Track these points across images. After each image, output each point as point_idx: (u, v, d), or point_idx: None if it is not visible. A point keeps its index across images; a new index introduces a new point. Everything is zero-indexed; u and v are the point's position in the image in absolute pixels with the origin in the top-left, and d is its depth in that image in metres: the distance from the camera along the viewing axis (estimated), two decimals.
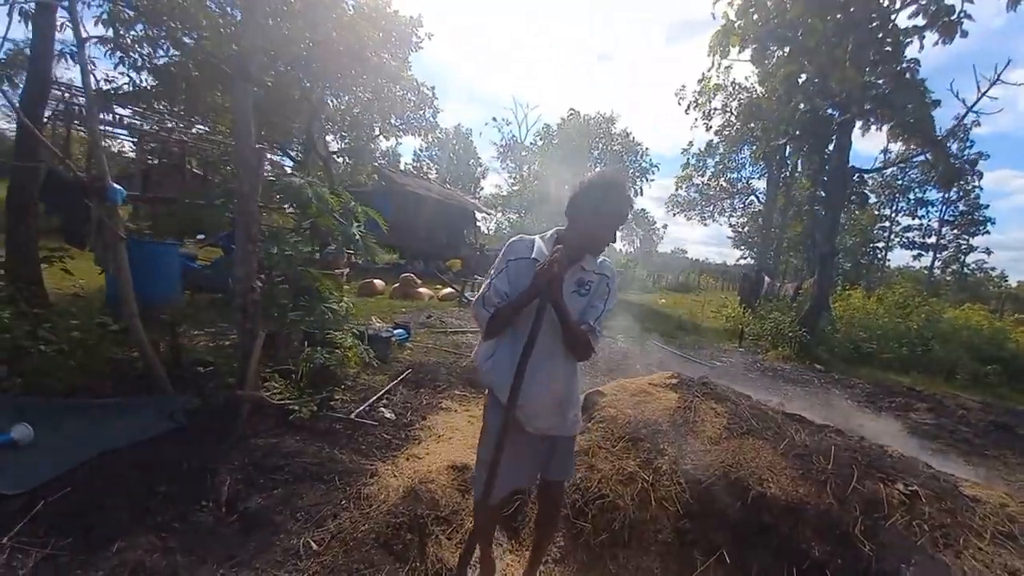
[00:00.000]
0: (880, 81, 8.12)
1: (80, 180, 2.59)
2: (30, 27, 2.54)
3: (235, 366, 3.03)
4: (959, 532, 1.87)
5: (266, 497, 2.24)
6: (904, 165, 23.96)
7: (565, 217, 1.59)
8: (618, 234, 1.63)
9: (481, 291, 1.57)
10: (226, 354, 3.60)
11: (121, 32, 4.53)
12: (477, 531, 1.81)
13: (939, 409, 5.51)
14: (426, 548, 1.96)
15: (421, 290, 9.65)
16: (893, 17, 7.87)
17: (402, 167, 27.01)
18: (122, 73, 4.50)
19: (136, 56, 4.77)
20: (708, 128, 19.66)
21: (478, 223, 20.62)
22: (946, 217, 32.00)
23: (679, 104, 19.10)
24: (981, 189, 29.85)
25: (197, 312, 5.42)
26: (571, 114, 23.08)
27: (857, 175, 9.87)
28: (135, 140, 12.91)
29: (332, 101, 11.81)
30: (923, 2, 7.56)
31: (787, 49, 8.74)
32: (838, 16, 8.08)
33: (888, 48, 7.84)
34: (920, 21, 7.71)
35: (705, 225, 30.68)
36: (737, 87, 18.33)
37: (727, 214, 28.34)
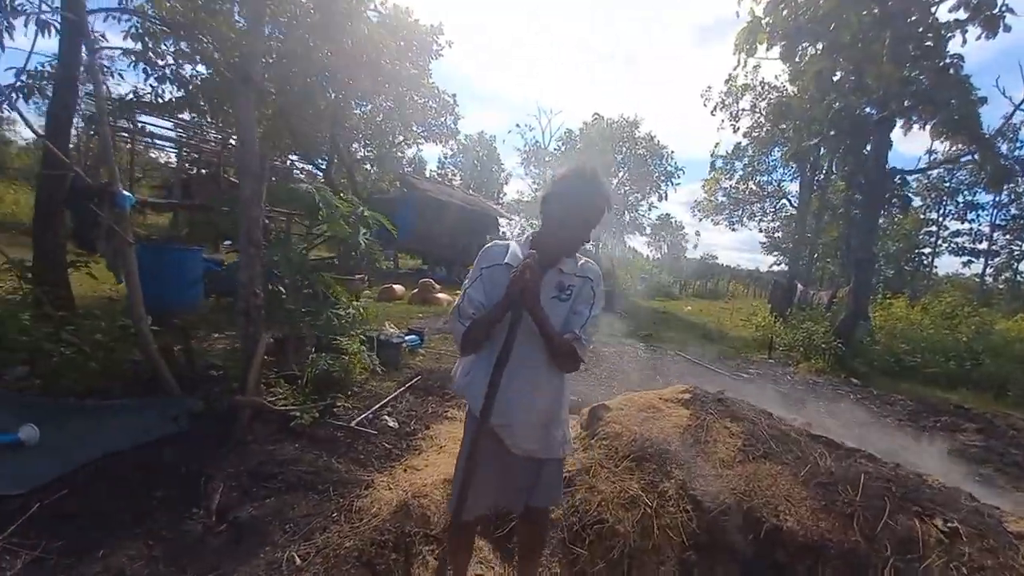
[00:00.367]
0: (921, 77, 7.66)
1: (89, 186, 2.66)
2: (45, 35, 2.64)
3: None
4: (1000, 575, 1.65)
5: (258, 506, 2.20)
6: (951, 166, 22.52)
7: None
8: (594, 232, 1.49)
9: (456, 302, 1.47)
10: (236, 358, 3.64)
11: (151, 46, 4.68)
12: (449, 550, 1.70)
13: (989, 430, 5.06)
14: (411, 569, 1.87)
15: (440, 295, 9.65)
16: (933, 11, 7.44)
17: (427, 174, 27.36)
18: (151, 86, 4.66)
19: (164, 70, 4.92)
20: (736, 130, 19.11)
21: (501, 229, 20.63)
22: (997, 221, 29.98)
23: (704, 105, 18.66)
24: None
25: (218, 316, 5.55)
26: (595, 118, 22.85)
27: (898, 176, 9.29)
28: (177, 151, 13.55)
29: (357, 110, 12.06)
30: None
31: (820, 45, 8.35)
32: (875, 11, 7.68)
33: (929, 43, 7.40)
34: (961, 15, 7.31)
35: (733, 230, 29.64)
36: (767, 87, 17.73)
37: (757, 218, 27.39)
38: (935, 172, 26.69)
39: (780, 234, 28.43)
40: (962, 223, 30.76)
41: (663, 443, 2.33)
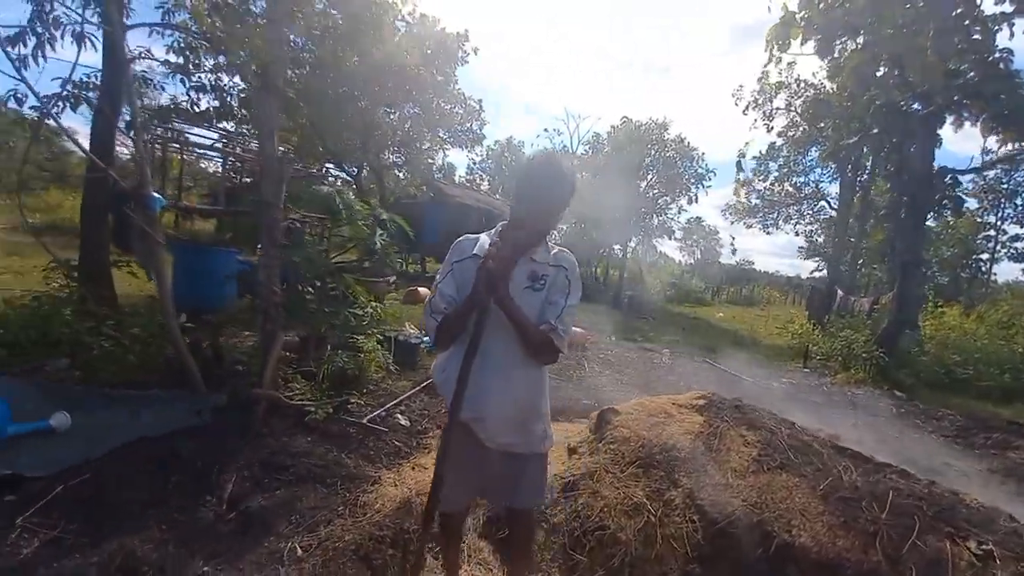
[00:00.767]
0: (969, 71, 7.18)
1: (123, 189, 2.82)
2: (83, 47, 2.83)
3: None
4: None
5: (267, 497, 2.27)
6: (1007, 166, 20.80)
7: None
8: (559, 221, 1.48)
9: (428, 298, 1.47)
10: (259, 354, 3.78)
11: (191, 59, 4.94)
12: (419, 540, 1.66)
13: None
14: (407, 565, 1.87)
15: None
16: (979, 2, 6.99)
17: (456, 180, 27.79)
18: (188, 96, 4.91)
19: (200, 80, 5.17)
20: (770, 129, 18.42)
21: None
22: None
23: (736, 104, 18.10)
24: None
25: (250, 315, 5.78)
26: (623, 121, 22.53)
27: (948, 176, 8.66)
28: (222, 160, 14.29)
29: (386, 118, 12.37)
30: None
31: (859, 40, 7.94)
32: (920, 3, 7.26)
33: (977, 36, 6.93)
34: (1007, 7, 6.85)
35: (768, 233, 28.35)
36: (803, 84, 16.97)
37: (793, 221, 26.18)
38: (991, 172, 24.77)
39: (821, 238, 27.08)
40: (1022, 227, 28.40)
41: (672, 450, 2.25)
